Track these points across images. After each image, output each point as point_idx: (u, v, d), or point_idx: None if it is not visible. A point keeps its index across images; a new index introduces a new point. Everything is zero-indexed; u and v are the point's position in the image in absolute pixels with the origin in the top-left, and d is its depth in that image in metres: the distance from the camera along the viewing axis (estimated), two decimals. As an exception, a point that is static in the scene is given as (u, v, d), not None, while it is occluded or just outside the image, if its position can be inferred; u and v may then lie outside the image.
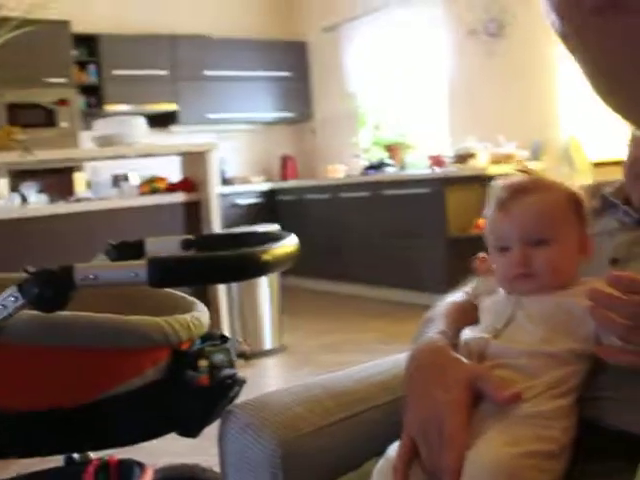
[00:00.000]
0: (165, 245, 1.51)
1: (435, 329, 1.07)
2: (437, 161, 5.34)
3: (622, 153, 4.36)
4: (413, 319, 4.73)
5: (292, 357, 4.16)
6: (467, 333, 1.04)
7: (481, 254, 1.29)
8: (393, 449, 0.96)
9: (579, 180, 4.32)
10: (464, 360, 0.96)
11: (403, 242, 5.35)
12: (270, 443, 1.07)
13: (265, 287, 4.11)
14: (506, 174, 1.07)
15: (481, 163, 5.08)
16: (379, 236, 5.58)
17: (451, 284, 4.84)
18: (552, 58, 4.99)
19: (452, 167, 5.17)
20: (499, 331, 0.98)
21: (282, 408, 1.14)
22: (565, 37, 0.42)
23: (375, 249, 5.61)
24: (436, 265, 5.10)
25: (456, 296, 1.22)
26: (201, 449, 2.64)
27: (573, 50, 0.42)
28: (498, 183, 1.05)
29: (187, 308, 1.36)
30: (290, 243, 1.22)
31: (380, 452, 1.10)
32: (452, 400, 0.91)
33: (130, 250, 1.48)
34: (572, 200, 1.01)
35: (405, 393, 0.99)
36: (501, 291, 1.06)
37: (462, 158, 5.13)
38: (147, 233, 1.54)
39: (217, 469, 1.72)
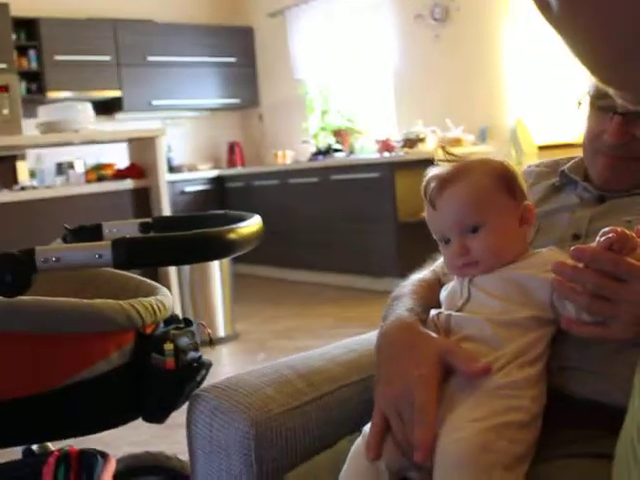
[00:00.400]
0: (123, 228, 1.48)
1: (403, 307, 1.07)
2: (386, 146, 5.36)
3: (567, 136, 4.45)
4: (365, 304, 4.80)
5: (245, 344, 4.14)
6: (433, 312, 1.05)
7: None
8: (367, 428, 0.95)
9: (527, 162, 4.39)
10: (433, 335, 0.96)
11: (353, 227, 5.36)
12: (242, 425, 1.06)
13: (217, 274, 4.07)
14: (432, 164, 1.07)
15: (430, 147, 5.11)
16: (329, 222, 5.58)
17: (402, 268, 4.91)
18: (498, 43, 5.05)
19: (401, 152, 5.19)
20: (459, 307, 0.99)
21: (252, 389, 1.12)
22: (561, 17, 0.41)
23: (325, 235, 5.61)
24: (386, 250, 5.13)
25: (422, 274, 1.23)
26: (159, 438, 2.61)
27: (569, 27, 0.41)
28: (426, 176, 1.05)
29: (149, 292, 1.33)
30: (255, 223, 1.21)
31: (353, 430, 1.09)
32: (423, 375, 0.90)
33: (88, 234, 1.45)
34: (498, 177, 1.01)
35: (376, 370, 0.99)
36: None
37: (411, 142, 5.16)
38: (95, 221, 1.50)
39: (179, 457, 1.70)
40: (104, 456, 1.42)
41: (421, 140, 5.15)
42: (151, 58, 6.59)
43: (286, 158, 6.60)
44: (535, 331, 0.95)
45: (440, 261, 1.26)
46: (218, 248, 1.08)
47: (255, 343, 4.13)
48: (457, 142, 5.15)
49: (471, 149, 5.14)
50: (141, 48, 6.52)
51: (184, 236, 1.07)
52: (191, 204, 6.20)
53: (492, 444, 0.83)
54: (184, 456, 1.66)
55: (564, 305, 0.92)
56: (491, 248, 0.98)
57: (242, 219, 1.22)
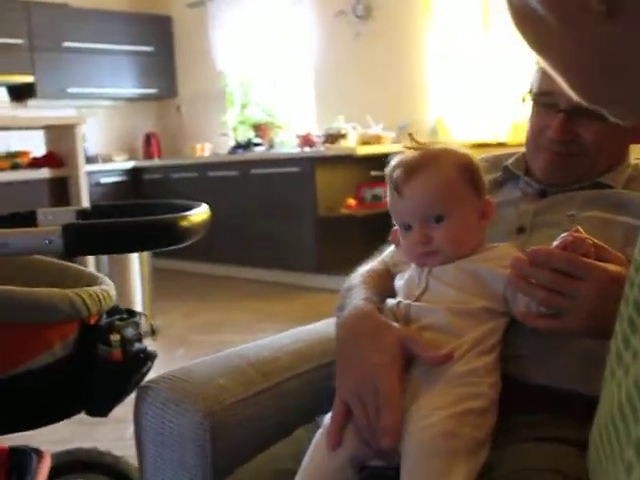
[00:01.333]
0: (59, 216, 1.42)
1: (359, 296, 1.07)
2: (306, 141, 5.37)
3: (485, 135, 4.55)
4: (287, 298, 4.77)
5: (166, 339, 4.07)
6: (390, 301, 1.06)
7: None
8: (327, 418, 0.95)
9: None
10: (394, 324, 0.97)
11: (274, 222, 5.35)
12: (196, 416, 1.04)
13: (136, 267, 3.98)
14: (399, 151, 1.08)
15: (350, 143, 5.16)
16: (249, 216, 5.55)
17: (322, 263, 4.93)
18: (420, 41, 5.13)
19: (322, 147, 5.21)
20: (417, 297, 1.01)
21: (204, 380, 1.10)
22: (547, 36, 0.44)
23: (245, 229, 5.57)
24: (307, 244, 5.15)
25: (370, 265, 1.24)
26: (80, 435, 2.53)
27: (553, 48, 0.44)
28: (392, 162, 1.06)
29: (91, 281, 1.29)
30: (204, 211, 1.19)
31: (307, 420, 1.09)
32: (386, 362, 0.91)
33: (21, 221, 1.38)
34: (465, 169, 1.03)
35: (337, 359, 0.99)
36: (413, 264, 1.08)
37: (332, 138, 5.18)
38: (7, 211, 1.43)
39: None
40: (38, 453, 1.37)
41: (342, 136, 5.18)
42: (66, 44, 6.37)
43: (204, 151, 6.52)
44: (489, 322, 0.97)
45: (388, 252, 1.27)
46: (173, 235, 1.06)
47: (175, 338, 4.06)
48: (377, 139, 5.22)
49: (391, 147, 5.22)
50: (56, 32, 6.29)
51: (137, 223, 1.04)
52: (107, 196, 6.03)
53: (457, 430, 0.85)
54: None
55: (517, 299, 0.95)
56: (453, 239, 1.00)
57: (189, 207, 1.19)
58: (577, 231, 0.90)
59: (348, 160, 5.07)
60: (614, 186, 1.24)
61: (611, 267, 0.88)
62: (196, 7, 6.73)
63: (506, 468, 0.89)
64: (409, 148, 1.06)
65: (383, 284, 1.14)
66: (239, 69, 6.61)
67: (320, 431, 0.95)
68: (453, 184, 1.01)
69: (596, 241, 0.90)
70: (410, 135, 1.09)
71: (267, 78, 6.51)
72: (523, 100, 1.33)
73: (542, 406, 0.98)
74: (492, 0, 4.81)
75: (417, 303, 0.99)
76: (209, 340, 3.88)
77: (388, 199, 1.06)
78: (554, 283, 0.89)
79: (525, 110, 1.34)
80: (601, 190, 1.23)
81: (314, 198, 5.08)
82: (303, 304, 4.66)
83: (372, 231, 5.35)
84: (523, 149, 1.35)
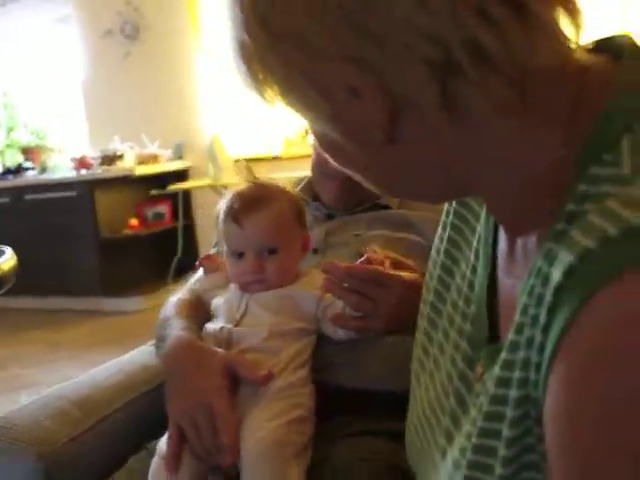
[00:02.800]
0: None
1: (178, 326, 1.15)
2: (82, 163, 5.23)
3: (261, 150, 4.73)
4: (73, 325, 4.60)
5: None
6: (209, 326, 1.15)
7: (209, 253, 1.40)
8: (162, 444, 1.03)
9: (225, 178, 4.61)
10: (216, 349, 1.07)
11: (53, 248, 5.15)
12: (29, 461, 1.06)
13: None
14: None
15: (128, 164, 5.11)
16: (26, 244, 5.26)
17: (107, 286, 4.83)
18: (190, 61, 5.21)
19: (99, 169, 5.11)
20: (238, 321, 1.11)
21: (30, 424, 1.12)
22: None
23: (23, 257, 5.21)
24: (90, 268, 5.03)
25: (182, 294, 1.31)
26: None
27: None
28: (229, 193, 1.17)
29: None
30: (11, 256, 1.20)
31: (137, 449, 1.15)
32: (215, 386, 1.01)
33: None
34: (295, 207, 1.18)
35: (167, 387, 1.06)
36: (232, 287, 1.18)
37: (109, 159, 5.10)
38: None
39: None
40: None
41: (119, 157, 5.12)
42: None
43: (-31, 178, 6.10)
44: (303, 339, 1.11)
45: (194, 280, 1.36)
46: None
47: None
48: (154, 158, 5.22)
49: (169, 165, 5.24)
50: None
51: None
52: None
53: (286, 438, 0.97)
54: None
55: (332, 307, 1.09)
56: (283, 270, 1.13)
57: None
58: (374, 251, 1.06)
59: (127, 180, 5.02)
60: (391, 206, 1.41)
61: (407, 276, 1.05)
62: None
63: (337, 459, 1.02)
64: (248, 181, 1.15)
65: (197, 312, 1.23)
66: (1, 89, 6.27)
67: (155, 459, 1.02)
68: (287, 220, 1.14)
69: (393, 254, 1.06)
70: (248, 167, 1.19)
71: (34, 99, 6.24)
72: (306, 133, 1.48)
73: (354, 406, 1.13)
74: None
75: (238, 328, 1.09)
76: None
77: (221, 227, 1.14)
78: (364, 289, 1.03)
79: (297, 124, 1.47)
80: (382, 211, 1.39)
81: (95, 221, 4.98)
82: (91, 329, 4.56)
83: (157, 249, 5.36)
84: (297, 164, 1.51)
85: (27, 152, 5.97)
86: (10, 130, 6.37)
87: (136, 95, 5.45)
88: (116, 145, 5.17)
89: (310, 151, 1.48)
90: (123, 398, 1.26)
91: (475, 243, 0.68)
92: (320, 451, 1.03)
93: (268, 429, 0.97)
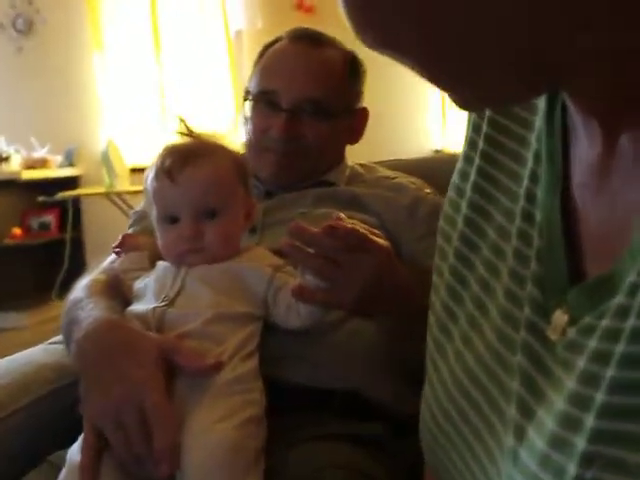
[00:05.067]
0: None
1: (98, 307, 0.94)
2: (-38, 164, 4.80)
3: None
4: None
5: None
6: (135, 307, 0.95)
7: (128, 231, 1.21)
8: (74, 453, 0.80)
9: (120, 186, 4.34)
10: (149, 333, 0.86)
11: None
12: None
13: None
14: (173, 140, 1.00)
15: (14, 167, 4.73)
16: None
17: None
18: (88, 60, 4.92)
19: (-20, 171, 4.70)
20: (172, 300, 0.91)
21: None
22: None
23: None
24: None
25: (92, 277, 1.10)
26: None
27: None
28: (163, 148, 0.98)
29: None
30: None
31: (38, 460, 0.93)
32: (148, 376, 0.80)
33: None
34: (239, 165, 1.00)
35: (84, 379, 0.84)
36: (162, 264, 0.99)
37: (-8, 161, 4.71)
38: None
39: None
40: None
41: (4, 159, 4.72)
42: None
43: None
44: (249, 326, 0.93)
45: (109, 262, 1.16)
46: None
47: None
48: (44, 163, 4.87)
49: (59, 171, 4.90)
50: None
51: None
52: None
53: (242, 443, 0.78)
54: None
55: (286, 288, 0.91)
56: (224, 236, 0.94)
57: None
58: (339, 218, 0.87)
59: (12, 185, 4.64)
60: (338, 184, 1.26)
61: (385, 244, 0.88)
62: None
63: (294, 470, 0.83)
64: (182, 134, 0.97)
65: (116, 293, 1.02)
66: None
67: (65, 471, 0.79)
68: (229, 178, 0.96)
69: (361, 224, 0.89)
70: (182, 121, 1.00)
71: None
72: (244, 99, 1.30)
73: (305, 405, 0.94)
74: (162, 18, 4.81)
75: (173, 309, 0.89)
76: None
77: (151, 187, 0.96)
78: (337, 252, 0.85)
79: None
80: (329, 188, 1.24)
81: (-24, 227, 4.57)
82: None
83: (40, 262, 4.96)
84: None
85: None
86: None
87: (26, 94, 5.07)
88: (1, 146, 4.77)
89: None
90: (19, 401, 1.01)
91: (531, 163, 0.52)
92: (272, 459, 0.83)
93: (221, 431, 0.77)
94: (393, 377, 1.02)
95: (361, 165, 1.35)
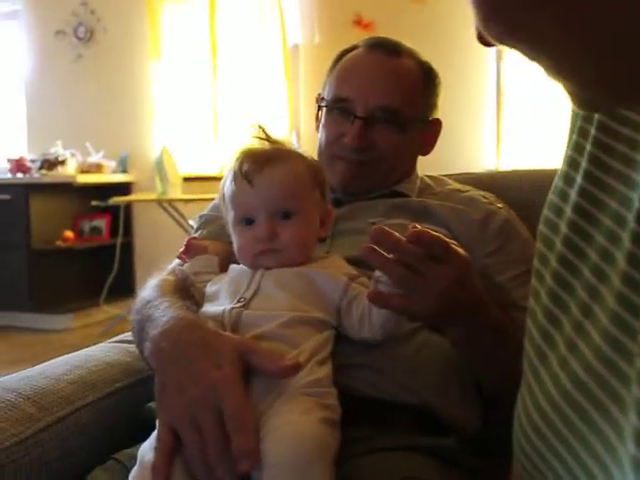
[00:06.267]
0: None
1: (174, 305, 0.93)
2: (20, 166, 4.89)
3: (210, 170, 4.50)
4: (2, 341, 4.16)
5: None
6: (209, 309, 0.94)
7: (194, 235, 1.21)
8: (146, 451, 0.79)
9: (172, 193, 4.37)
10: (226, 333, 0.86)
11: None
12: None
13: None
14: (249, 143, 1.01)
15: (70, 171, 4.81)
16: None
17: (36, 301, 4.45)
18: (144, 69, 4.98)
19: (37, 173, 4.79)
20: (248, 301, 0.91)
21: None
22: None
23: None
24: (19, 281, 4.65)
25: (161, 277, 1.10)
26: None
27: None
28: (239, 152, 0.99)
29: None
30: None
31: (102, 460, 0.92)
32: (227, 376, 0.78)
33: None
34: (314, 170, 1.01)
35: (159, 378, 0.83)
36: (236, 266, 0.99)
37: (49, 164, 4.78)
38: None
39: None
40: None
41: (60, 162, 4.81)
42: None
43: None
44: (324, 332, 0.91)
45: (174, 265, 1.16)
46: None
47: None
48: (98, 168, 4.94)
49: (112, 176, 4.97)
50: None
51: None
52: None
53: (325, 439, 0.76)
54: None
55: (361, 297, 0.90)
56: (299, 239, 0.94)
57: None
58: (415, 227, 0.85)
59: (66, 189, 4.72)
60: (410, 195, 1.24)
61: (465, 254, 0.87)
62: None
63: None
64: (259, 139, 0.99)
65: (186, 294, 1.01)
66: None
67: (137, 469, 0.78)
68: (305, 181, 0.97)
69: (441, 235, 0.87)
70: (260, 127, 1.01)
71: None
72: (319, 109, 1.30)
73: (375, 417, 0.92)
74: (220, 28, 4.86)
75: (250, 311, 0.89)
76: None
77: (228, 190, 0.97)
78: (419, 260, 0.83)
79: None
80: (401, 198, 1.23)
81: (28, 229, 4.63)
82: (16, 346, 4.19)
83: (90, 266, 5.02)
84: None
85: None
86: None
87: (84, 100, 5.17)
88: (58, 150, 4.86)
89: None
90: (85, 397, 1.00)
91: None
92: (341, 470, 0.81)
93: (304, 423, 0.75)
94: (462, 391, 1.00)
95: (429, 177, 1.34)
